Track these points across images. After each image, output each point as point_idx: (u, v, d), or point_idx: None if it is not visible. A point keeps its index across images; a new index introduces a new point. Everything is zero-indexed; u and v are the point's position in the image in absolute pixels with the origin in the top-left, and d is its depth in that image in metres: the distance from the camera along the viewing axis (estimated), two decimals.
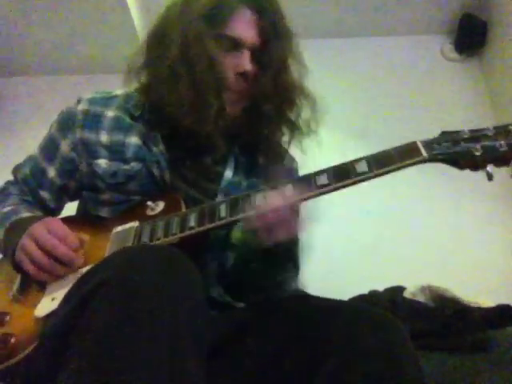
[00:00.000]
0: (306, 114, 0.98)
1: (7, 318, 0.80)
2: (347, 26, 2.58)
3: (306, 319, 0.74)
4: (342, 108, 2.45)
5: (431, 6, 2.43)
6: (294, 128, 1.00)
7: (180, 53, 0.89)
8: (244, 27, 0.91)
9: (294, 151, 1.10)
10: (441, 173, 2.24)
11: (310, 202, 0.78)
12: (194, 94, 0.88)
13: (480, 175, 2.32)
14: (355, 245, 2.16)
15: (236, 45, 0.91)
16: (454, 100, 2.35)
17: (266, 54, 0.92)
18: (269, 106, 0.93)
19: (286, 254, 0.85)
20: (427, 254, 2.11)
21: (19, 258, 0.83)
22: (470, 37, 2.43)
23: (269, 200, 0.75)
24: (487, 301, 1.53)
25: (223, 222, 0.77)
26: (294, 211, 0.75)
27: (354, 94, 2.49)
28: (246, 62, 0.90)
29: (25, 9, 2.32)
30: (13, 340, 0.75)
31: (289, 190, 0.77)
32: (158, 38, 0.94)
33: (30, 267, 0.81)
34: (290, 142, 1.03)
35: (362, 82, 2.52)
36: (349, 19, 2.54)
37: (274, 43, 0.92)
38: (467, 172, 2.42)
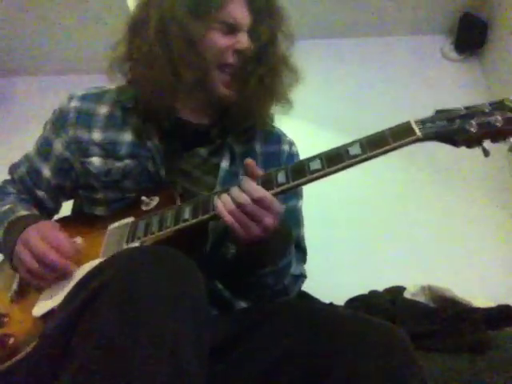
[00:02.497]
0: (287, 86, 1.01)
1: (6, 319, 0.81)
2: (347, 26, 2.58)
3: (310, 328, 0.74)
4: (341, 108, 2.46)
5: (431, 6, 2.43)
6: (280, 99, 1.02)
7: (159, 36, 0.91)
8: (239, 10, 0.94)
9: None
10: (442, 173, 2.25)
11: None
12: (193, 74, 0.92)
13: (480, 175, 2.31)
14: (355, 245, 2.16)
15: (233, 29, 0.94)
16: (453, 100, 2.33)
17: (258, 31, 0.96)
18: (259, 79, 0.96)
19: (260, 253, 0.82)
20: (427, 253, 2.11)
21: (15, 263, 0.83)
22: (469, 37, 2.42)
23: (246, 188, 0.74)
24: (487, 301, 1.53)
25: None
26: (267, 207, 0.74)
27: (353, 94, 2.49)
28: (243, 41, 0.93)
29: (24, 9, 2.32)
30: (11, 340, 0.75)
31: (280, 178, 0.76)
32: (139, 27, 0.95)
33: (24, 274, 0.81)
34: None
35: (361, 82, 2.52)
36: (349, 19, 2.53)
37: (266, 20, 0.97)
38: (468, 171, 2.41)
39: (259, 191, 0.74)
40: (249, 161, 0.79)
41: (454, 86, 2.45)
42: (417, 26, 2.56)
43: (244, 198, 0.73)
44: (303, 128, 2.32)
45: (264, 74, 0.96)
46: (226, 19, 0.93)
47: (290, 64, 1.01)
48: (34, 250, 0.79)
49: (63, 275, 0.80)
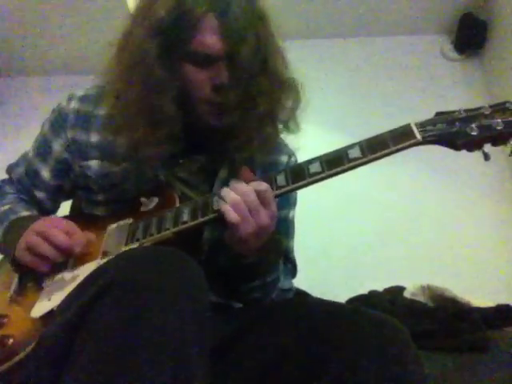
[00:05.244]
0: (289, 106, 0.94)
1: (5, 319, 0.80)
2: (347, 26, 2.58)
3: (307, 322, 0.74)
4: (341, 109, 2.46)
5: (431, 6, 2.43)
6: (281, 122, 0.95)
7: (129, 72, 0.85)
8: (209, 38, 0.82)
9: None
10: (442, 173, 2.25)
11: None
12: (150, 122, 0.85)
13: (480, 175, 2.31)
14: (355, 244, 2.17)
15: (207, 60, 0.84)
16: (453, 100, 2.35)
17: (240, 58, 0.83)
18: (250, 107, 0.87)
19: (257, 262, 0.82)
20: (427, 253, 2.11)
21: (20, 254, 0.82)
22: (469, 37, 2.42)
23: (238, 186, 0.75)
24: (487, 301, 1.53)
25: (216, 215, 0.76)
26: (267, 202, 0.74)
27: (353, 94, 2.50)
28: (219, 74, 0.83)
29: (24, 9, 2.32)
30: (10, 341, 0.75)
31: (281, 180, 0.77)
32: (118, 53, 0.91)
33: (29, 258, 0.81)
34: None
35: (362, 82, 2.52)
36: (349, 19, 2.53)
37: (247, 44, 0.83)
38: (469, 170, 2.41)
39: (263, 184, 0.74)
40: (244, 168, 0.81)
41: (454, 86, 2.45)
42: (417, 26, 2.56)
43: (247, 188, 0.73)
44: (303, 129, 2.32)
45: (253, 101, 0.86)
46: (197, 50, 0.82)
47: (287, 82, 0.92)
48: (40, 230, 0.79)
49: (66, 257, 0.80)
